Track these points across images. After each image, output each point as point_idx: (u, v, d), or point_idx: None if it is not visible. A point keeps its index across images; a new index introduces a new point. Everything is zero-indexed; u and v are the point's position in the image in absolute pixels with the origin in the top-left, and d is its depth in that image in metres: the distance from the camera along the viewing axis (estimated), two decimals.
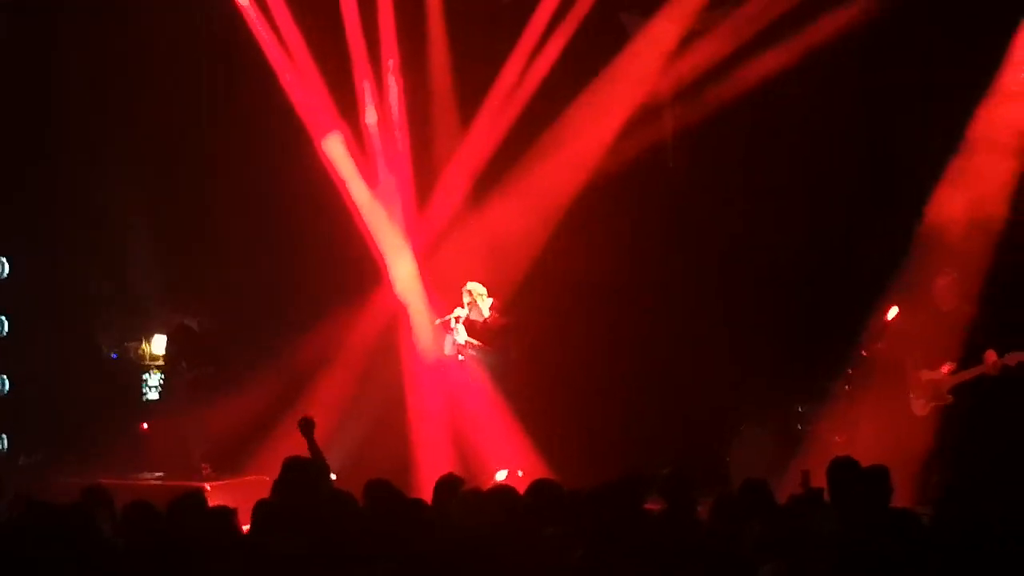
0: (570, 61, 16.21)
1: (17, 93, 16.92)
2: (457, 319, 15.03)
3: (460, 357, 15.13)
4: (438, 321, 15.34)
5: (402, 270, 16.55)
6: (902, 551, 6.84)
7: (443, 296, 15.82)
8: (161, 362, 16.37)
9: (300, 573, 7.40)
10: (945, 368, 13.88)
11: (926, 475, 13.05)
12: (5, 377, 16.68)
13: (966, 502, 8.03)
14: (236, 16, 16.69)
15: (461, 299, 15.07)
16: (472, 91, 16.52)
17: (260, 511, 8.41)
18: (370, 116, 16.68)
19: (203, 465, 15.37)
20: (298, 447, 11.27)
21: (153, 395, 16.34)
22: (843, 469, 9.25)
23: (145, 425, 16.06)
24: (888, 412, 14.33)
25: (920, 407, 13.91)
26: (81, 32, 17.00)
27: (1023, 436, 13.47)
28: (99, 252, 17.18)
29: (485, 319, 15.06)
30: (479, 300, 15.05)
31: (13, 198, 16.97)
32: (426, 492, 9.68)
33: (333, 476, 14.47)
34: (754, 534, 7.40)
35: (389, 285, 16.58)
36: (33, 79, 16.99)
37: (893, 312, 14.27)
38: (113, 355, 16.85)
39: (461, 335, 15.00)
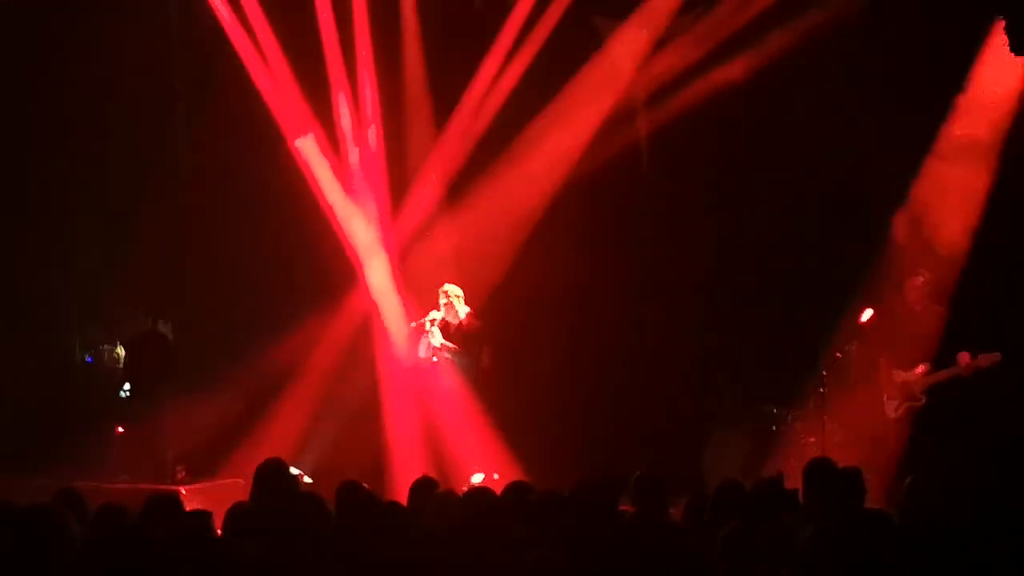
0: (544, 65, 16.23)
1: None
2: (432, 322, 15.01)
3: (435, 359, 15.12)
4: (414, 324, 15.32)
5: (376, 273, 16.54)
6: (874, 552, 6.88)
7: (417, 299, 15.82)
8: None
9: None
10: (919, 369, 13.95)
11: (898, 477, 13.08)
12: None
13: (936, 503, 8.06)
14: (211, 19, 16.69)
15: (436, 301, 15.05)
16: (446, 95, 16.52)
17: (233, 514, 8.39)
18: (344, 119, 16.66)
19: (177, 468, 15.35)
20: (273, 450, 11.26)
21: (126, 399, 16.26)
22: (819, 470, 9.30)
23: (120, 428, 16.03)
24: (861, 414, 14.42)
25: (892, 409, 13.97)
26: (52, 38, 16.97)
27: (995, 437, 13.55)
28: (70, 257, 17.13)
29: (460, 322, 15.05)
30: (455, 302, 15.02)
31: None
32: (401, 495, 9.69)
33: (308, 479, 14.55)
34: (726, 535, 7.41)
35: (363, 287, 16.57)
36: (9, 94, 16.98)
37: (867, 314, 14.29)
38: (87, 359, 16.80)
39: (436, 338, 14.97)
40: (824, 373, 14.38)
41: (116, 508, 8.44)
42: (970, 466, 12.79)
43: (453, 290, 15.06)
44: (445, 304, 14.99)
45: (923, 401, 13.90)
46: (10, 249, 17.00)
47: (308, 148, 16.58)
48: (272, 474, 9.05)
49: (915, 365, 14.00)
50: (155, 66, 17.00)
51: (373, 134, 16.65)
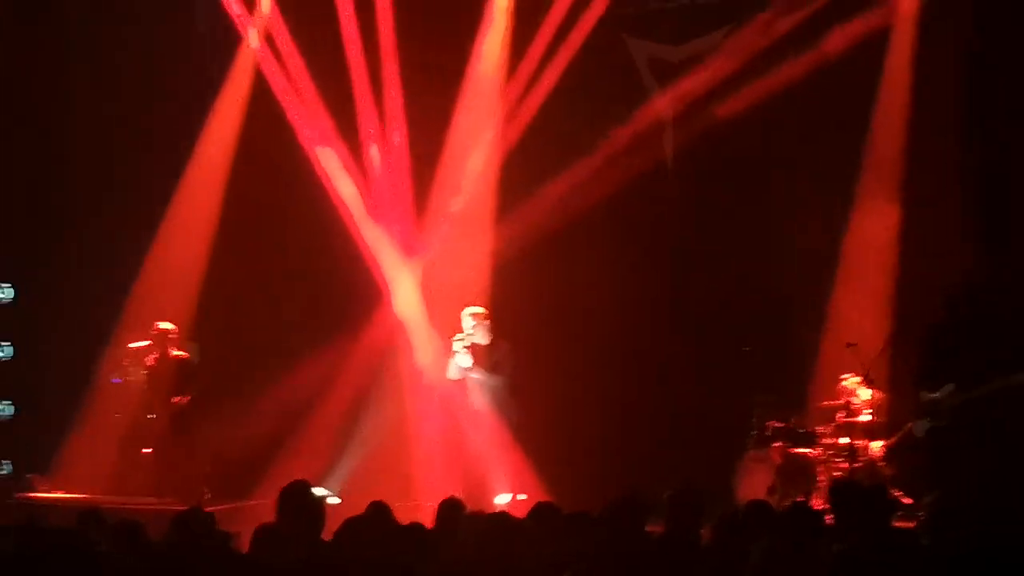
0: (572, 82, 16.25)
1: (24, 121, 17.03)
2: (461, 343, 14.97)
3: (464, 380, 15.07)
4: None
5: (403, 293, 16.55)
6: (900, 569, 6.84)
7: (443, 318, 15.80)
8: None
9: None
10: (946, 389, 13.86)
11: (925, 495, 13.03)
12: (10, 402, 16.67)
13: (960, 521, 8.03)
14: (239, 42, 16.83)
15: (460, 322, 15.01)
16: (474, 109, 16.55)
17: (258, 535, 8.38)
18: (369, 136, 16.70)
19: (204, 490, 15.36)
20: (300, 471, 11.25)
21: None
22: (844, 490, 9.31)
23: (147, 449, 16.04)
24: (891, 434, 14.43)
25: (920, 428, 13.89)
26: (86, 57, 17.09)
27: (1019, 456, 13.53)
28: (101, 279, 17.15)
29: (488, 343, 15.02)
30: (481, 324, 15.01)
31: (19, 225, 17.03)
32: (426, 515, 9.66)
33: (335, 500, 14.54)
34: (756, 555, 7.37)
35: (390, 308, 16.57)
36: (40, 103, 17.10)
37: (897, 333, 14.24)
38: (115, 380, 16.81)
39: (465, 359, 14.93)
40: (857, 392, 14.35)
41: (133, 524, 8.45)
42: (993, 485, 12.76)
43: (478, 312, 15.04)
44: (472, 327, 14.96)
45: (946, 421, 13.82)
46: (41, 273, 17.06)
47: (332, 165, 16.63)
48: (296, 496, 9.02)
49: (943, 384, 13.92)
50: (187, 93, 17.08)
51: (398, 146, 16.69)
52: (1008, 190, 14.97)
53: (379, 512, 8.99)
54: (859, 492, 9.23)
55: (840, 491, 9.36)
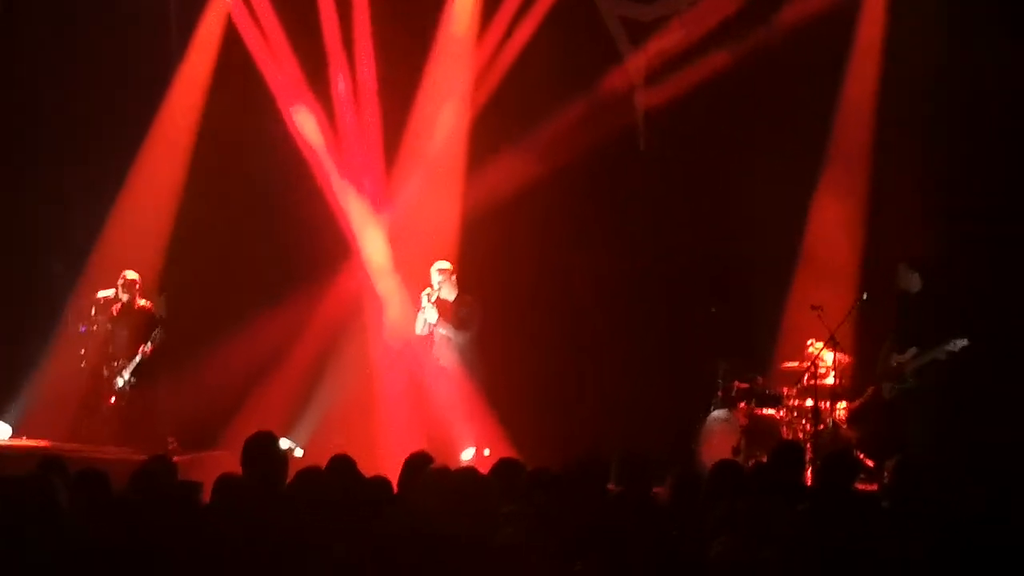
0: (543, 40, 16.21)
1: None
2: (428, 297, 14.97)
3: (430, 335, 15.09)
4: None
5: (372, 247, 16.52)
6: (862, 531, 6.88)
7: (412, 274, 15.79)
8: None
9: (257, 547, 7.36)
10: (910, 352, 13.93)
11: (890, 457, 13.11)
12: None
13: (920, 483, 8.08)
14: None
15: (430, 278, 15.01)
16: (444, 68, 16.50)
17: (221, 485, 8.35)
18: (341, 89, 16.65)
19: (169, 439, 15.33)
20: (265, 423, 11.23)
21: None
22: (785, 453, 9.48)
23: (112, 399, 15.98)
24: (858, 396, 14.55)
25: (887, 390, 13.99)
26: (53, 8, 16.98)
27: (976, 418, 13.72)
28: (65, 228, 17.10)
29: (454, 298, 15.03)
30: (449, 280, 15.01)
31: None
32: (390, 470, 9.65)
33: (300, 452, 14.54)
34: (717, 514, 7.39)
35: (359, 262, 16.55)
36: (3, 53, 16.99)
37: (865, 296, 14.30)
38: (82, 328, 16.73)
39: (432, 314, 14.94)
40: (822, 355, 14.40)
41: (96, 473, 8.42)
42: (956, 448, 12.92)
43: (446, 268, 15.04)
44: (439, 282, 14.95)
45: (914, 383, 13.88)
46: (8, 220, 17.00)
47: (304, 121, 16.59)
48: (261, 446, 9.00)
49: (910, 348, 13.99)
50: (153, 40, 16.98)
51: (370, 106, 16.65)
52: (971, 170, 15.00)
53: (343, 465, 8.98)
54: (800, 455, 9.38)
55: (781, 454, 9.51)
